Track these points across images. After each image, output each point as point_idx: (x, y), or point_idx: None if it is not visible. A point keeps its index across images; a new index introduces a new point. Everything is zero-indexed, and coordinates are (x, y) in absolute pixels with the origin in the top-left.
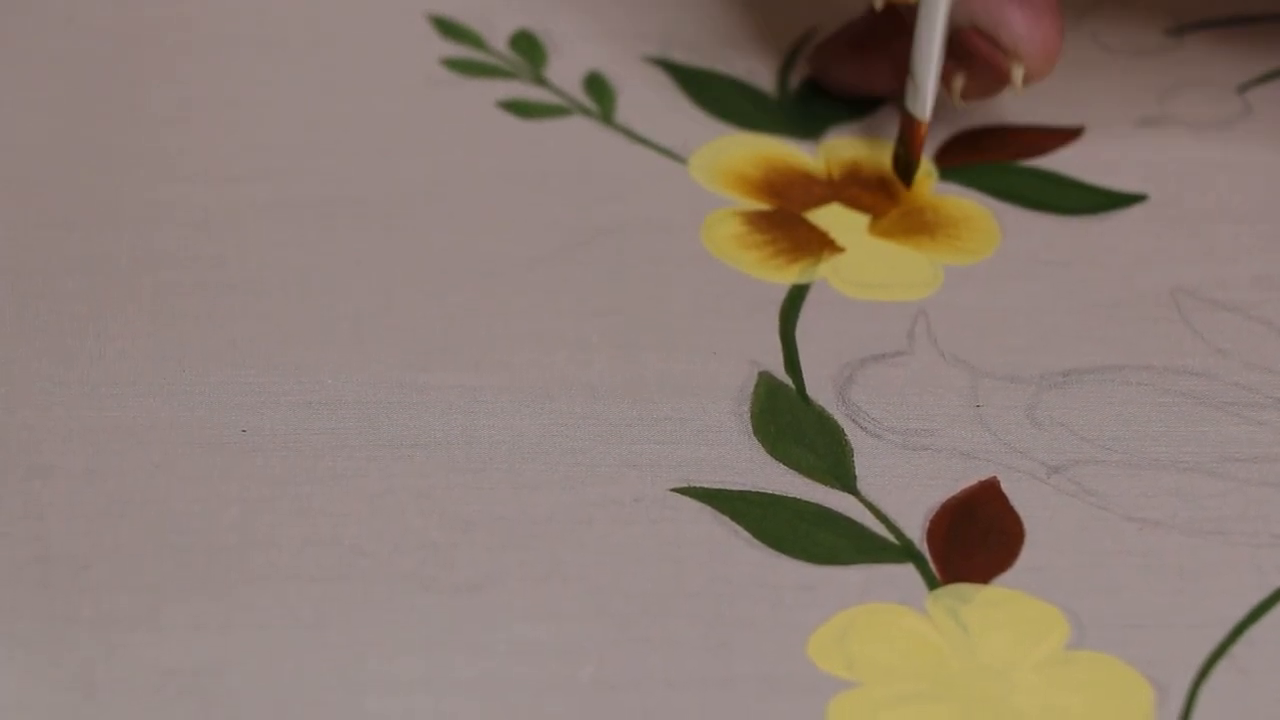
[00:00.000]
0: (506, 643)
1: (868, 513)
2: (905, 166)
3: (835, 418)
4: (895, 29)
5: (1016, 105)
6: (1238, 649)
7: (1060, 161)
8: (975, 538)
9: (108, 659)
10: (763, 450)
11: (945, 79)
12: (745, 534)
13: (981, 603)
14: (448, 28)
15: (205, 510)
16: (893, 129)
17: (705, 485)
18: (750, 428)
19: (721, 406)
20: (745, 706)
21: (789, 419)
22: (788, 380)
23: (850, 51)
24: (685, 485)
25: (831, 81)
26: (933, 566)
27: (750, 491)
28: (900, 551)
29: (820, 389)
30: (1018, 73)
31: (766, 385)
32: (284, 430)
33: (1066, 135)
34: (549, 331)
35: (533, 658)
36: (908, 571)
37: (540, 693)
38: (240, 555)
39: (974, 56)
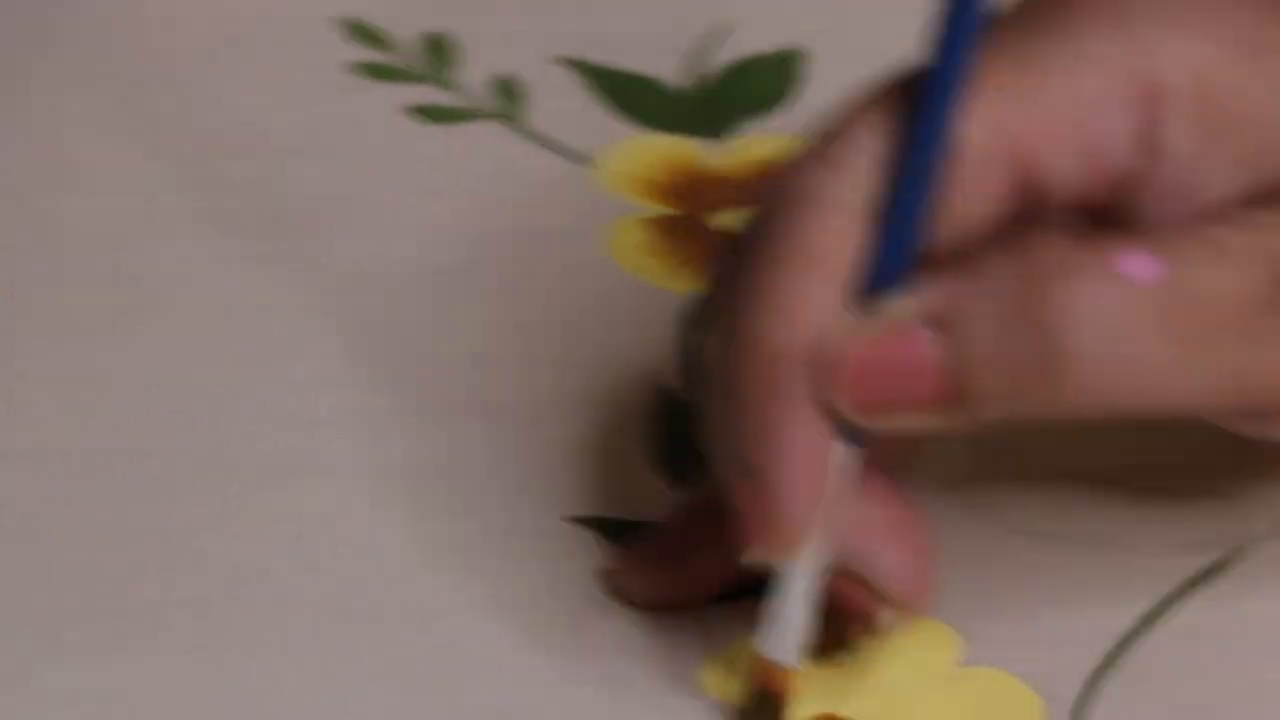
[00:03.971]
0: (410, 675)
1: None
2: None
3: None
4: (700, 537)
5: None
6: (1126, 659)
7: None
8: None
9: (8, 688)
10: (657, 476)
11: None
12: None
13: None
14: (354, 30)
15: (107, 541)
16: (808, 122)
17: (600, 514)
18: (648, 451)
19: (622, 428)
20: None
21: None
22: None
23: (656, 562)
24: (580, 514)
25: (634, 597)
26: None
27: (646, 522)
28: None
29: None
30: (887, 617)
31: (667, 405)
32: (185, 456)
33: None
34: (451, 349)
35: (432, 687)
36: None
37: None
38: (137, 586)
39: (839, 603)
